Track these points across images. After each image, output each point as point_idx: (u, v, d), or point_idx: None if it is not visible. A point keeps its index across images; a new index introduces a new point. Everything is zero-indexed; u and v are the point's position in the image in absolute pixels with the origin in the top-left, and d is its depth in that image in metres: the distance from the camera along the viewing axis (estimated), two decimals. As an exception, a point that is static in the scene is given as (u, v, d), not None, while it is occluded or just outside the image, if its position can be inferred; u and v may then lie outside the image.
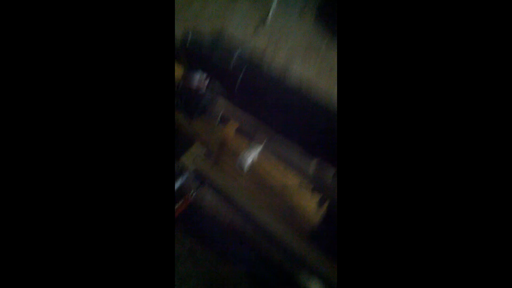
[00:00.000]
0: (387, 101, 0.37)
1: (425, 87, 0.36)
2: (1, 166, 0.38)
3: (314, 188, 0.84)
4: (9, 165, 0.38)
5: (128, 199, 0.41)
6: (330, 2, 2.23)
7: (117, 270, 0.40)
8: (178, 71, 0.87)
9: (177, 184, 1.04)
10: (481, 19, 0.35)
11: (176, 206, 0.97)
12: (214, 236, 1.21)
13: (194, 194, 1.11)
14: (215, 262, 1.22)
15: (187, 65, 0.81)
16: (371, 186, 0.37)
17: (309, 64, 2.08)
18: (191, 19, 2.09)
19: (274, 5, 2.10)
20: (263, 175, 1.05)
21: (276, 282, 1.15)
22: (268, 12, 2.08)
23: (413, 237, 0.36)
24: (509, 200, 0.34)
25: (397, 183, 0.37)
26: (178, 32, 0.62)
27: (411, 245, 0.36)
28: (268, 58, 1.30)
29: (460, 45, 0.35)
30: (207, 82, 0.79)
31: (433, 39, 0.36)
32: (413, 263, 0.36)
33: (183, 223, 1.20)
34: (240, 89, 0.73)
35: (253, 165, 0.84)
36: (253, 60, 0.78)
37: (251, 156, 0.74)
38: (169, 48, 0.42)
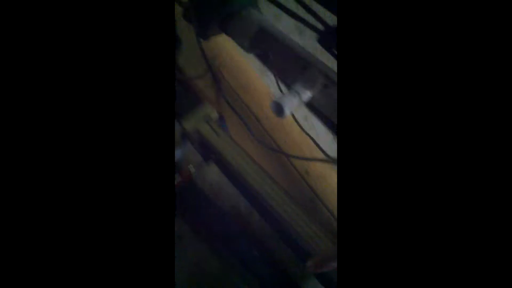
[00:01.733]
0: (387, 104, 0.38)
1: (424, 90, 0.37)
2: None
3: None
4: (5, 160, 0.39)
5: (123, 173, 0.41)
6: None
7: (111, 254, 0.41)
8: None
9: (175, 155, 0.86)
10: (480, 19, 0.36)
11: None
12: (211, 222, 1.01)
13: (195, 172, 0.92)
14: (206, 254, 1.02)
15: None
16: (371, 186, 0.38)
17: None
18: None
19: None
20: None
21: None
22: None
23: (413, 237, 0.37)
24: (509, 200, 0.35)
25: (397, 183, 0.38)
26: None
27: (412, 244, 0.37)
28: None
29: (458, 49, 0.37)
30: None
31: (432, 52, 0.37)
32: (413, 263, 0.37)
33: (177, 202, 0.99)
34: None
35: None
36: None
37: (291, 103, 0.56)
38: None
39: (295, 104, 0.59)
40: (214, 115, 0.83)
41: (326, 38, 0.59)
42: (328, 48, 0.59)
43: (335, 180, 0.92)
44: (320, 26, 0.59)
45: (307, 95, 0.59)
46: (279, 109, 0.58)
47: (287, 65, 0.63)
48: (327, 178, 0.91)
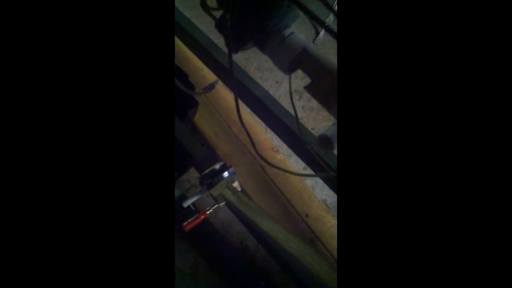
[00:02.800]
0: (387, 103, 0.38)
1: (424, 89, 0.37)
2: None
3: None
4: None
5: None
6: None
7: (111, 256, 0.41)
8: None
9: (194, 198, 0.97)
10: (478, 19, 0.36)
11: (190, 220, 0.90)
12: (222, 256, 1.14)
13: (210, 210, 1.03)
14: (218, 283, 1.15)
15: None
16: (371, 185, 0.38)
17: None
18: None
19: None
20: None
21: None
22: None
23: (414, 237, 0.37)
24: (509, 200, 0.34)
25: (397, 183, 0.38)
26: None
27: (412, 244, 0.37)
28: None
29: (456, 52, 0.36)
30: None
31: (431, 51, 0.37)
32: (413, 262, 0.37)
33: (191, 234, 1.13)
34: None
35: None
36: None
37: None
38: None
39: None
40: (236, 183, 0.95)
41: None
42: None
43: (333, 223, 1.05)
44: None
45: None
46: (327, 142, 0.60)
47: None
48: (325, 221, 1.04)
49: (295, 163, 1.31)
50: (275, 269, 1.09)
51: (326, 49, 1.53)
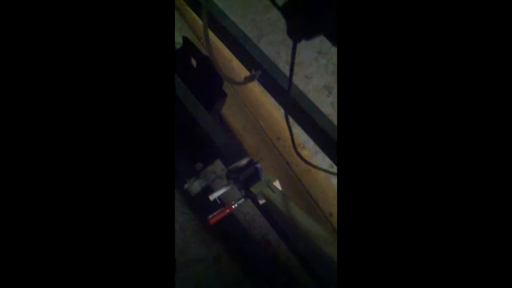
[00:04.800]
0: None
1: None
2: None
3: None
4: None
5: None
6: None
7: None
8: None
9: (221, 191, 0.97)
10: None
11: (215, 213, 0.91)
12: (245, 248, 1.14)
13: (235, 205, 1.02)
14: (240, 276, 1.16)
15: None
16: (372, 185, 0.38)
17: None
18: None
19: None
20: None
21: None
22: None
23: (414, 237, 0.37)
24: (509, 200, 0.34)
25: (397, 183, 0.38)
26: None
27: (412, 244, 0.37)
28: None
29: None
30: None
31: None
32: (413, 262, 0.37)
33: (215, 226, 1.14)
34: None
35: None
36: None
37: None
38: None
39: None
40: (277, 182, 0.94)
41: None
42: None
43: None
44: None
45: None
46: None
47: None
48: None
49: (322, 161, 1.29)
50: (296, 265, 1.09)
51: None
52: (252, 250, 1.14)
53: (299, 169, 1.05)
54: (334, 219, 1.02)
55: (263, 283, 1.10)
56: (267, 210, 0.94)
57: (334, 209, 1.02)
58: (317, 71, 1.61)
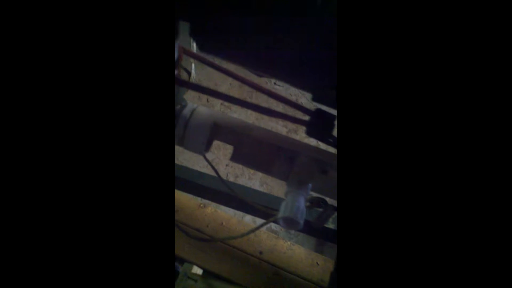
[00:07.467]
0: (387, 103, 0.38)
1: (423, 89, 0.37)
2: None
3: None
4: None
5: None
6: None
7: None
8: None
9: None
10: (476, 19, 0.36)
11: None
12: None
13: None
14: None
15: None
16: (371, 185, 0.38)
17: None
18: None
19: None
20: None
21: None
22: None
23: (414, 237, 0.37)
24: (509, 200, 0.35)
25: (397, 182, 0.37)
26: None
27: (412, 244, 0.37)
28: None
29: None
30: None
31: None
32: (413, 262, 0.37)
33: None
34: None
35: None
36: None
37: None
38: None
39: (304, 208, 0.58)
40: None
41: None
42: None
43: (288, 245, 1.03)
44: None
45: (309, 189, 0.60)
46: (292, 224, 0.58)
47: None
48: (279, 248, 1.02)
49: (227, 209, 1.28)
50: None
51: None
52: None
53: (211, 230, 1.01)
54: (266, 255, 1.00)
55: None
56: None
57: (261, 246, 1.00)
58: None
